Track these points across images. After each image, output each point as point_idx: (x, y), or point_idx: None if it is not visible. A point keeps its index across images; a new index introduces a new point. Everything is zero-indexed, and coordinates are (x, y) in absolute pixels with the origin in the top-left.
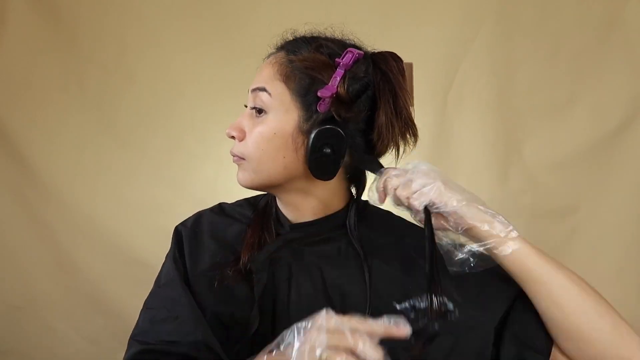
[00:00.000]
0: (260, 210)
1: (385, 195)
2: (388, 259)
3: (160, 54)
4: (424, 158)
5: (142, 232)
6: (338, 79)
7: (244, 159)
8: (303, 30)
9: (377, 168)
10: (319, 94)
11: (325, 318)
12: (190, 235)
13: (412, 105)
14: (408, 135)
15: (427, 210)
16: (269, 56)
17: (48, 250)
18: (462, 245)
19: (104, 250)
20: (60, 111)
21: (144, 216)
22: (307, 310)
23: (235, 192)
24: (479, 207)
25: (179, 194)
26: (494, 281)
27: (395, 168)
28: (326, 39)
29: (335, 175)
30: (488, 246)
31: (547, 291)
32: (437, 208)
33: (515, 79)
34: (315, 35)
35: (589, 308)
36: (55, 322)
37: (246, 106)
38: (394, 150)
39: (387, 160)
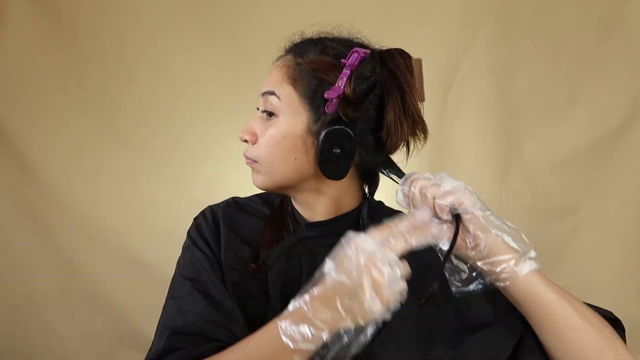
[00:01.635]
0: (277, 208)
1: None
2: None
3: (160, 54)
4: (424, 157)
5: (142, 232)
6: (344, 79)
7: (256, 161)
8: (311, 31)
9: (392, 168)
10: (325, 95)
11: (361, 238)
12: (210, 226)
13: (424, 100)
14: (417, 132)
15: (455, 215)
16: (278, 59)
17: (48, 250)
18: (470, 267)
19: (104, 250)
20: (60, 111)
21: (144, 216)
22: None
23: (234, 192)
24: (504, 221)
25: (179, 194)
26: (501, 315)
27: (421, 173)
28: (332, 39)
29: (345, 175)
30: (503, 266)
31: (552, 323)
32: (464, 210)
33: (515, 79)
34: (322, 36)
35: (591, 342)
36: (55, 322)
37: (258, 109)
38: (404, 147)
39: (398, 157)
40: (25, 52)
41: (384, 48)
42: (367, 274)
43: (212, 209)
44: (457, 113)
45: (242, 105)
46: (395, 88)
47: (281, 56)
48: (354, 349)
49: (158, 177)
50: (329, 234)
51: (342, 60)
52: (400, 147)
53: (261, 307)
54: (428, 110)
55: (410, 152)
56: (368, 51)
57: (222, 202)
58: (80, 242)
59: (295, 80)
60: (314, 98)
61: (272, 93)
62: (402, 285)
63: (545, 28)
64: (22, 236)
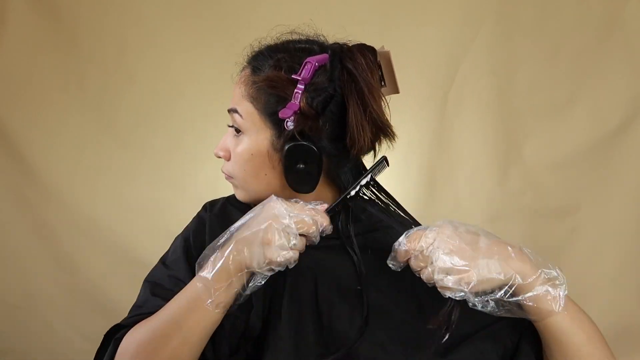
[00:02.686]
0: None
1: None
2: (387, 268)
3: (160, 54)
4: (424, 158)
5: (142, 232)
6: (299, 94)
7: (232, 177)
8: (271, 35)
9: (362, 169)
10: (280, 114)
11: (277, 202)
12: (210, 220)
13: (398, 92)
14: (382, 136)
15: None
16: (240, 72)
17: (48, 250)
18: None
19: (104, 250)
20: (60, 111)
21: (144, 216)
22: (298, 316)
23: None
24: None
25: (179, 194)
26: (487, 323)
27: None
28: (286, 48)
29: (314, 188)
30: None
31: (565, 351)
32: (467, 296)
33: (515, 79)
34: (277, 44)
35: None
36: (55, 322)
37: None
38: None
39: (365, 160)
40: (25, 52)
41: (351, 43)
42: (263, 233)
43: (214, 204)
44: (457, 113)
45: None
46: (355, 92)
47: (243, 68)
48: (249, 291)
49: (158, 177)
50: None
51: (293, 75)
52: (367, 152)
53: (243, 310)
54: (428, 110)
55: (375, 155)
56: (324, 57)
57: (226, 197)
58: (80, 242)
59: (253, 98)
60: (273, 115)
61: (235, 111)
62: (290, 255)
63: (545, 28)
64: (22, 236)
